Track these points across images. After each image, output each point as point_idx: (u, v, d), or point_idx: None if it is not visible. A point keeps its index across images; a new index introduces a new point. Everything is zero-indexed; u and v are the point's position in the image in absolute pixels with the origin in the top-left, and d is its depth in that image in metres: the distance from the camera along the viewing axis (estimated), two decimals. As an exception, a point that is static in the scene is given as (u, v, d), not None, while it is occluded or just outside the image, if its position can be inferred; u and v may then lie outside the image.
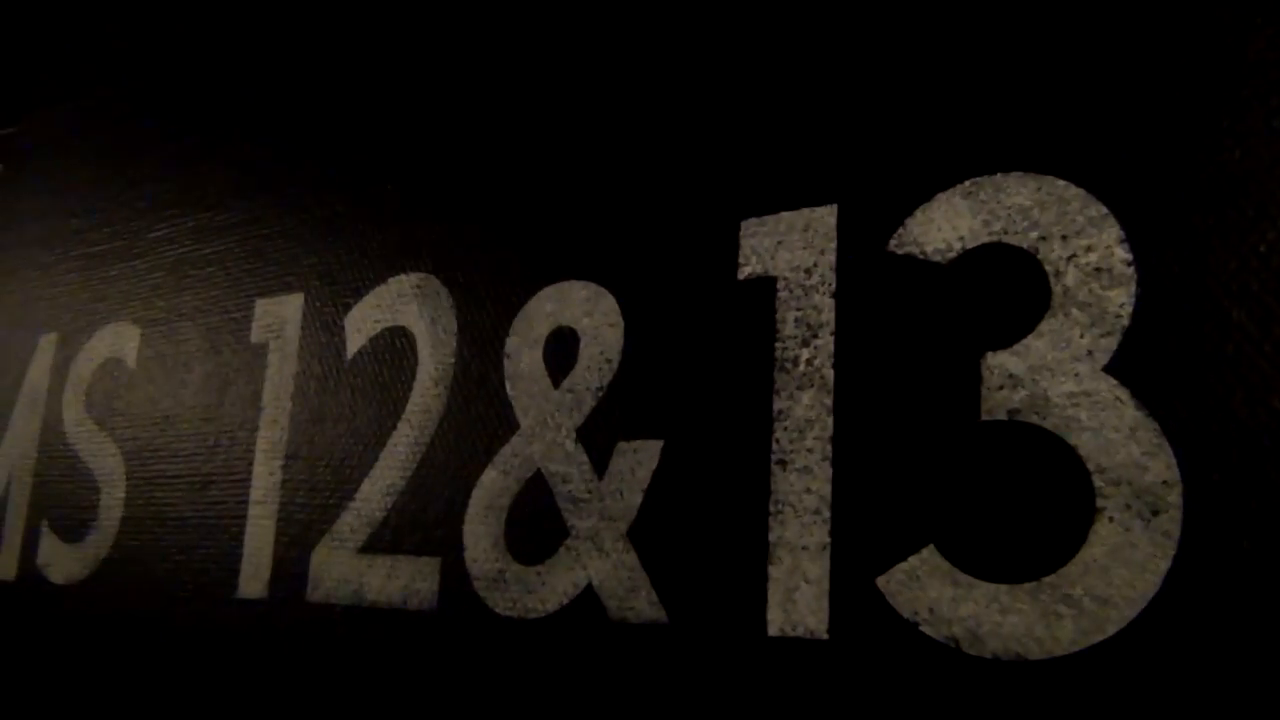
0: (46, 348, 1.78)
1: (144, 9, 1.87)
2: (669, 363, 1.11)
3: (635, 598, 1.07)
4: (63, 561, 1.64)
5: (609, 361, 1.15)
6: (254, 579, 1.39)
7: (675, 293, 1.12)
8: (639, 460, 1.10)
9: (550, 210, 1.24)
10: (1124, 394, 0.85)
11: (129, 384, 1.64)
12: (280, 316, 1.48)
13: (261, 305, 1.51)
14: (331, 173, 1.49)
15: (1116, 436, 0.85)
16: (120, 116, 1.85)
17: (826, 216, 1.03)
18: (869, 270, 1.00)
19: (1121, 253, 0.88)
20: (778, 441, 1.01)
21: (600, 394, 1.15)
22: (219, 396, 1.52)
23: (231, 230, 1.59)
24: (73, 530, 1.65)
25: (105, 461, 1.63)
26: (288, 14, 1.62)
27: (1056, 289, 0.90)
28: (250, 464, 1.45)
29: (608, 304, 1.16)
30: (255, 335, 1.50)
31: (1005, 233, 0.94)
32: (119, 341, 1.67)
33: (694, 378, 1.08)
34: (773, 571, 0.99)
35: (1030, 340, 0.90)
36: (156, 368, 1.61)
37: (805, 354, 1.02)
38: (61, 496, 1.68)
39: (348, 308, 1.41)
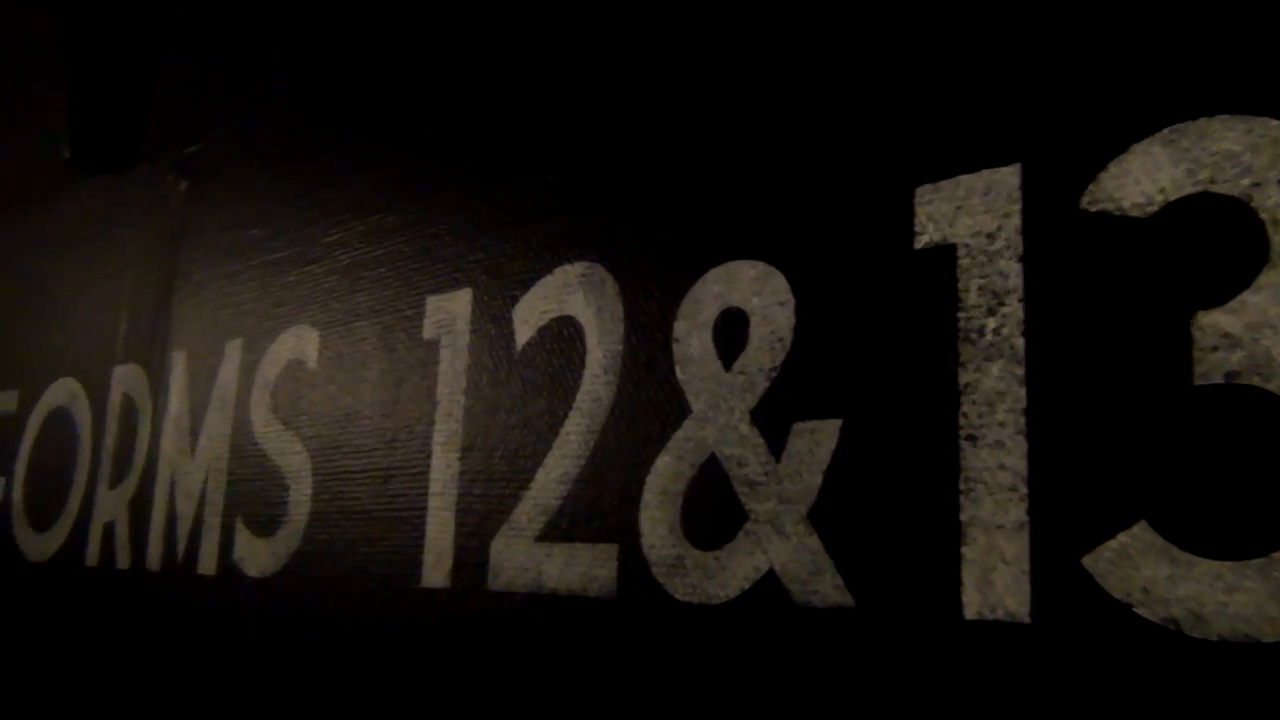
0: (234, 352, 1.87)
1: (308, 26, 1.94)
2: (844, 339, 1.07)
3: (819, 581, 1.04)
4: (256, 556, 1.72)
5: (781, 341, 1.12)
6: (436, 569, 1.43)
7: (848, 267, 1.08)
8: (817, 440, 1.07)
9: (713, 190, 1.23)
10: (1362, 350, 0.77)
11: (311, 384, 1.71)
12: (450, 312, 1.51)
13: (432, 302, 1.54)
14: (493, 169, 1.51)
15: (1355, 397, 0.77)
16: (291, 129, 1.93)
17: (1009, 177, 0.98)
18: (1059, 231, 0.94)
19: (1352, 195, 0.80)
20: (965, 416, 0.97)
21: (773, 374, 1.12)
22: (395, 393, 1.56)
23: (400, 231, 1.63)
24: (265, 525, 1.73)
25: (292, 459, 1.70)
26: (441, 18, 1.65)
27: (1276, 239, 0.83)
28: (428, 457, 1.48)
29: (777, 282, 1.14)
30: (427, 331, 1.54)
31: (1213, 181, 0.86)
32: (300, 344, 1.74)
33: (871, 354, 1.05)
34: (966, 552, 0.94)
35: (1247, 296, 0.83)
36: (336, 367, 1.67)
37: (991, 323, 0.97)
38: (253, 494, 1.77)
39: (515, 300, 1.43)
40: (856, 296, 1.07)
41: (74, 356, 2.31)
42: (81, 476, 2.18)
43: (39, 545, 2.26)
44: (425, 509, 1.47)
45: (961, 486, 0.96)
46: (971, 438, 0.96)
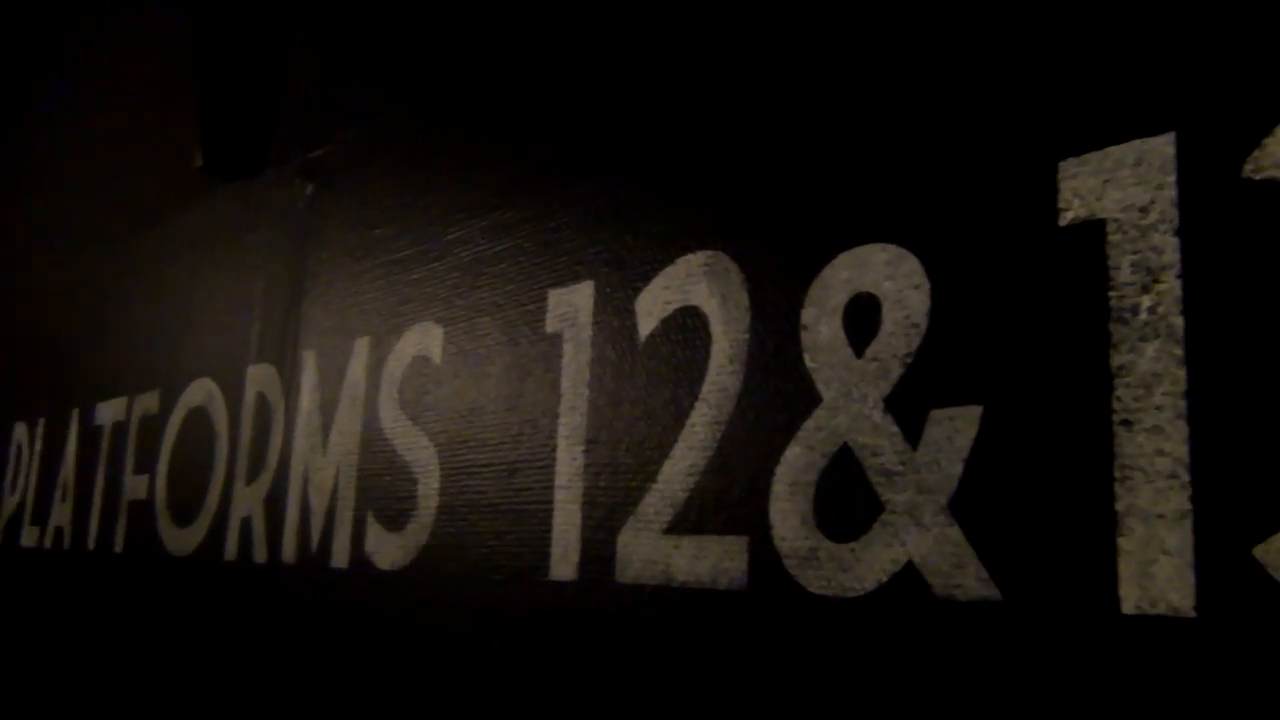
0: (361, 350, 1.91)
1: (426, 27, 1.97)
2: (983, 323, 1.03)
3: (962, 574, 1.00)
4: (387, 549, 1.76)
5: (915, 326, 1.09)
6: (564, 561, 1.43)
7: (987, 247, 1.04)
8: (956, 428, 1.03)
9: (840, 172, 1.19)
10: None
11: (436, 380, 1.73)
12: (573, 305, 1.51)
13: (554, 295, 1.54)
14: (612, 160, 1.50)
15: None
16: (412, 130, 1.96)
17: (1163, 146, 0.93)
18: (1219, 202, 0.89)
19: None
20: (1119, 399, 0.92)
21: (908, 361, 1.09)
22: (519, 386, 1.57)
23: (520, 226, 1.64)
24: (394, 519, 1.76)
25: (420, 454, 1.73)
26: (557, 14, 1.66)
27: None
28: (553, 450, 1.49)
29: (910, 265, 1.10)
30: (550, 325, 1.54)
31: (1396, 142, 0.80)
32: (425, 340, 1.77)
33: (1013, 337, 1.00)
34: (1123, 543, 0.90)
35: None
36: (460, 363, 1.69)
37: (1146, 301, 0.92)
38: (383, 488, 1.80)
39: (637, 291, 1.42)
40: (997, 278, 1.02)
41: (210, 358, 2.40)
42: (219, 473, 2.26)
43: (181, 540, 2.35)
44: (551, 502, 1.48)
45: (1116, 474, 0.91)
46: (1127, 423, 0.91)
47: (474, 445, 1.63)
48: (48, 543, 3.05)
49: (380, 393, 1.84)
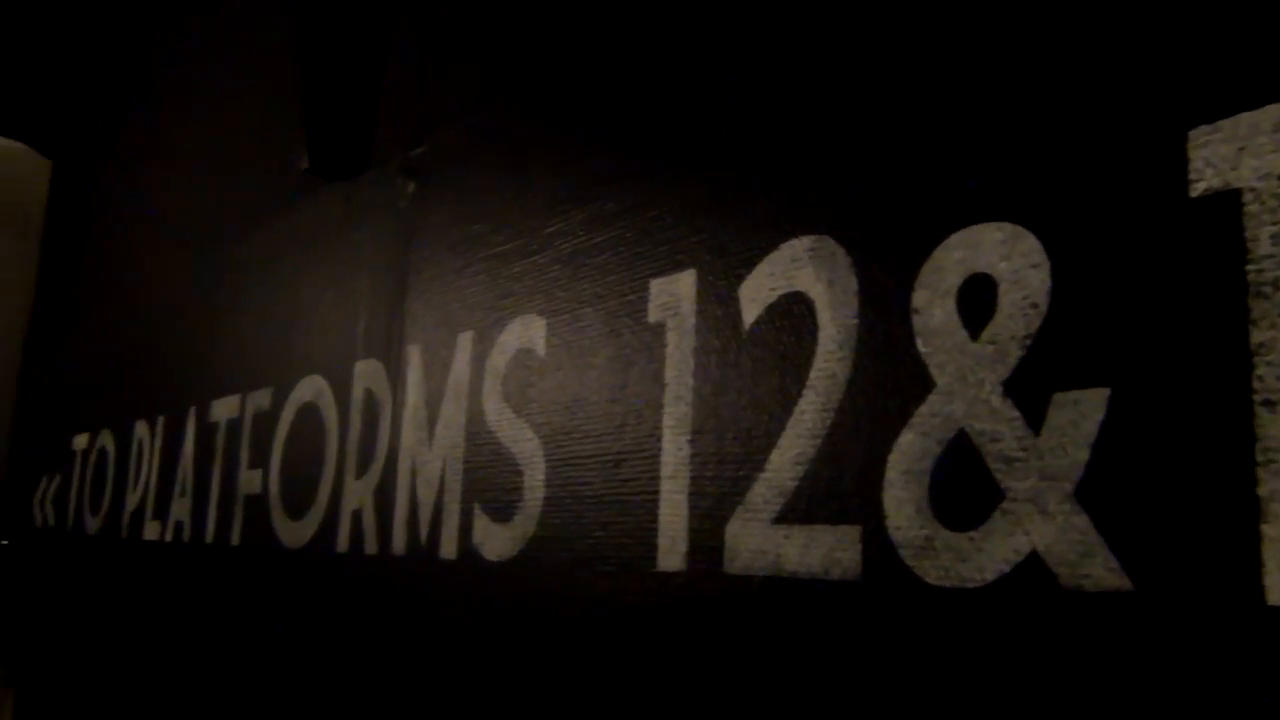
0: (465, 344, 1.93)
1: (520, 22, 1.98)
2: (1109, 302, 0.99)
3: (1090, 564, 0.96)
4: (494, 540, 1.77)
5: (1035, 307, 1.05)
6: (671, 552, 1.42)
7: (1111, 222, 0.99)
8: (1082, 412, 0.99)
9: (950, 148, 1.16)
10: None
11: (539, 372, 1.74)
12: (675, 294, 1.50)
13: (656, 285, 1.53)
14: (712, 147, 1.48)
15: None
16: (510, 124, 1.97)
17: (1305, 109, 0.87)
18: (1369, 166, 0.83)
19: None
20: (1261, 379, 0.87)
21: (1027, 343, 1.05)
22: (623, 377, 1.57)
23: (620, 217, 1.64)
24: (501, 511, 1.77)
25: (524, 446, 1.74)
26: (654, 3, 1.65)
27: None
28: (659, 440, 1.48)
29: (1028, 244, 1.06)
30: (652, 315, 1.53)
31: None
32: (527, 333, 1.78)
33: (1142, 316, 0.96)
34: (1267, 530, 0.85)
35: None
36: (563, 354, 1.69)
37: (1288, 274, 0.86)
38: (488, 480, 1.82)
39: (740, 279, 1.40)
40: (1123, 254, 0.98)
41: (319, 354, 2.45)
42: (330, 467, 2.31)
43: (294, 533, 2.42)
44: (658, 492, 1.47)
45: (1259, 458, 0.86)
46: (1269, 403, 0.86)
47: (578, 436, 1.64)
48: (168, 536, 3.16)
49: (484, 386, 1.86)
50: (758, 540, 1.30)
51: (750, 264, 1.39)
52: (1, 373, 6.09)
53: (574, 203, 1.74)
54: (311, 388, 2.45)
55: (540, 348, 1.75)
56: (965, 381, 1.10)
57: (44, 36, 4.78)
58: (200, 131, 3.63)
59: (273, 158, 2.87)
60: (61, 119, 5.46)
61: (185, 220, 3.64)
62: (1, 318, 6.76)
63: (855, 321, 1.23)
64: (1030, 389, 1.04)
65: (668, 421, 1.48)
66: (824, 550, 1.22)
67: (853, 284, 1.24)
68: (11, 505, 5.24)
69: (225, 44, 3.55)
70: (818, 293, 1.28)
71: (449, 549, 1.87)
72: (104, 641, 3.65)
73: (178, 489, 3.14)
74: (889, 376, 1.18)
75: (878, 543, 1.16)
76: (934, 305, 1.14)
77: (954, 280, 1.13)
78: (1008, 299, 1.07)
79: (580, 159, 1.75)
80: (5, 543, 4.87)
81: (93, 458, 4.06)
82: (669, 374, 1.49)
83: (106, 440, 3.94)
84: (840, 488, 1.22)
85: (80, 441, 4.25)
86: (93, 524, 3.93)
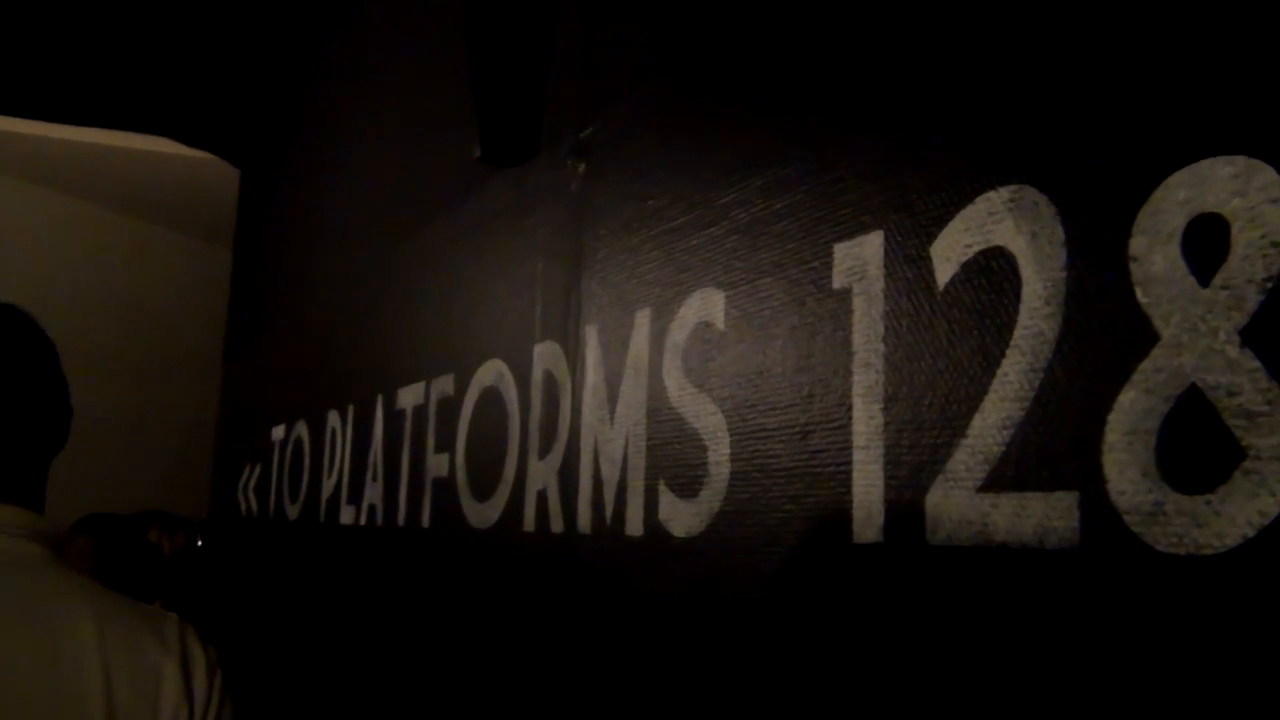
0: (643, 322, 1.93)
1: (688, -11, 1.95)
2: (1366, 234, 0.89)
3: (1354, 526, 0.87)
4: (680, 517, 1.76)
5: (1275, 246, 0.95)
6: (868, 525, 1.37)
7: (1367, 146, 0.89)
8: (1338, 358, 0.89)
9: (1165, 78, 1.06)
10: None
11: (720, 345, 1.72)
12: (860, 258, 1.44)
13: (840, 250, 1.48)
14: (891, 99, 1.42)
15: None
16: (678, 97, 1.95)
17: None
18: None
19: None
20: None
21: (1269, 286, 0.95)
22: (808, 346, 1.53)
23: (799, 182, 1.59)
24: (686, 487, 1.76)
25: (708, 420, 1.72)
26: (829, -48, 1.59)
27: None
28: (849, 410, 1.43)
29: (1265, 178, 0.96)
30: (837, 281, 1.48)
31: None
32: (706, 306, 1.76)
33: None
34: None
35: None
36: (744, 326, 1.66)
37: None
38: (672, 456, 1.81)
39: (932, 237, 1.33)
40: (1383, 180, 0.88)
41: (498, 339, 2.50)
42: (513, 449, 2.35)
43: (482, 514, 2.48)
44: (850, 463, 1.42)
45: None
46: None
47: (763, 409, 1.60)
48: (362, 520, 3.30)
49: (664, 362, 1.85)
50: (962, 510, 1.24)
51: (942, 221, 1.32)
52: (205, 371, 6.51)
53: (750, 171, 1.70)
54: (493, 372, 2.50)
55: (720, 321, 1.72)
56: (1195, 332, 1.01)
57: (225, 52, 5.05)
58: (376, 130, 3.76)
59: (446, 151, 2.94)
60: (246, 128, 5.78)
61: (364, 217, 3.79)
62: (201, 319, 7.22)
63: (1063, 274, 1.15)
64: (1273, 337, 0.94)
65: (858, 390, 1.43)
66: (1037, 519, 1.15)
67: (1059, 234, 1.16)
68: (219, 495, 5.60)
69: (397, 41, 3.66)
70: (1019, 246, 1.21)
71: (635, 526, 1.87)
72: (307, 622, 3.85)
73: (369, 474, 3.27)
74: (1105, 331, 1.10)
75: (1098, 509, 1.09)
76: (1154, 251, 1.05)
77: (1177, 222, 1.04)
78: (1242, 239, 0.98)
79: (753, 125, 1.71)
80: (200, 544, 5.20)
81: (290, 447, 4.28)
82: (857, 341, 1.43)
83: (302, 430, 4.14)
84: (1053, 452, 1.14)
85: (278, 432, 4.49)
86: (292, 510, 4.15)
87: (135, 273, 8.09)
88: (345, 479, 3.52)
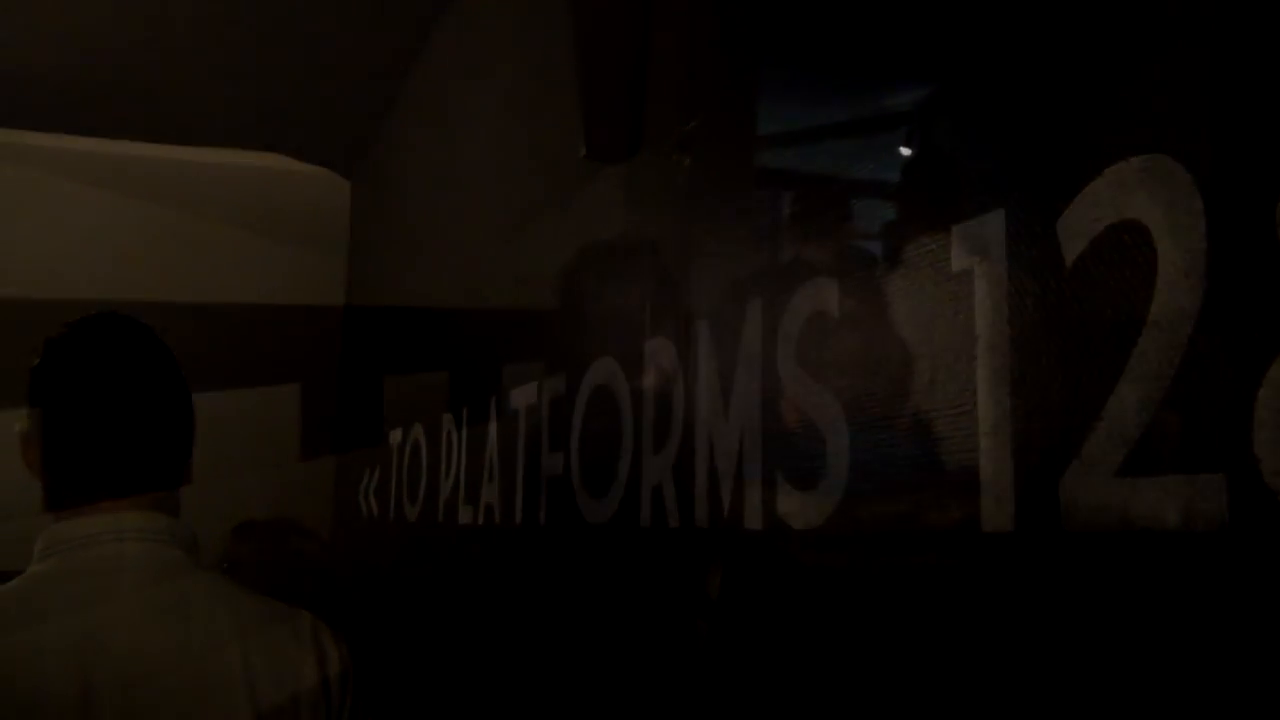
0: (754, 314, 1.91)
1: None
2: None
3: None
4: (800, 509, 1.74)
5: None
6: (998, 512, 1.33)
7: None
8: None
9: (1315, 38, 1.00)
10: None
11: (835, 333, 1.69)
12: (981, 238, 1.40)
13: (958, 231, 1.44)
14: (1004, 72, 1.37)
15: None
16: (781, 85, 1.93)
17: None
18: None
19: None
20: None
21: None
22: (927, 332, 1.49)
23: (911, 164, 1.55)
24: (804, 479, 1.74)
25: (825, 411, 1.69)
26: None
27: None
28: (973, 395, 1.39)
29: None
30: (956, 263, 1.44)
31: None
32: (819, 295, 1.73)
33: None
34: None
35: None
36: (860, 314, 1.63)
37: None
38: (789, 448, 1.79)
39: (1057, 213, 1.29)
40: None
41: (608, 337, 2.51)
42: (627, 445, 2.36)
43: (597, 510, 2.49)
44: (976, 450, 1.38)
45: None
46: None
47: (882, 398, 1.57)
48: (480, 519, 3.36)
49: (778, 353, 1.83)
50: (1099, 495, 1.19)
51: (1068, 196, 1.27)
52: (325, 379, 6.71)
53: (861, 154, 1.67)
54: (604, 370, 2.51)
55: (834, 309, 1.70)
56: (1354, 300, 0.95)
57: (331, 68, 5.19)
58: (482, 134, 3.82)
59: (552, 151, 2.97)
60: (354, 141, 5.93)
61: (472, 221, 3.85)
62: (317, 328, 7.45)
63: (1203, 246, 1.10)
64: None
65: (982, 374, 1.38)
66: (1181, 502, 1.10)
67: (1197, 204, 1.11)
68: (341, 499, 5.77)
69: (501, 44, 3.71)
70: (1154, 219, 1.16)
71: (753, 519, 1.86)
72: (429, 620, 3.93)
73: (485, 474, 3.32)
74: (1252, 304, 1.04)
75: (1249, 491, 1.03)
76: (1306, 215, 1.00)
77: (1330, 185, 0.98)
78: (1404, 199, 0.92)
79: (861, 108, 1.68)
80: (330, 547, 5.37)
81: (407, 450, 4.38)
82: (980, 324, 1.39)
83: (418, 434, 4.24)
84: (1197, 432, 1.09)
85: (395, 436, 4.60)
86: (411, 511, 4.25)
87: (253, 287, 8.39)
88: (462, 480, 3.59)
